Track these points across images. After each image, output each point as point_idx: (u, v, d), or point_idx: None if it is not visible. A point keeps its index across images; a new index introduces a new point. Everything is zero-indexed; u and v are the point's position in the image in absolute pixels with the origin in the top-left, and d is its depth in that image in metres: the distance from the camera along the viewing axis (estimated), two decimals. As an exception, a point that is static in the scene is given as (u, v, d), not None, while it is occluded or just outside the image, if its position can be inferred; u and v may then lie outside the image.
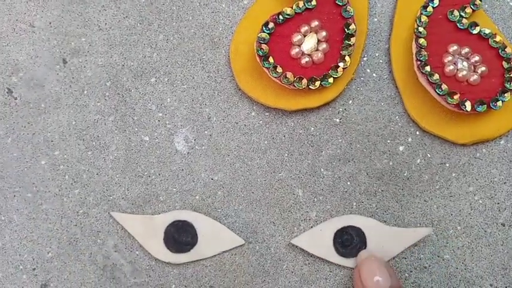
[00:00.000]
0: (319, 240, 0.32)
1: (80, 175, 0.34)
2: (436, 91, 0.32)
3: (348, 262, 0.32)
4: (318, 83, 0.32)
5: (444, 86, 0.32)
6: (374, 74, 0.34)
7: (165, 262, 0.33)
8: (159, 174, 0.34)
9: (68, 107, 0.34)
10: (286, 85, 0.32)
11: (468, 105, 0.32)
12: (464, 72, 0.32)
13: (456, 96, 0.32)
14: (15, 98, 0.34)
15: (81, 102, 0.34)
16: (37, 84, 0.34)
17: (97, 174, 0.34)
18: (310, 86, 0.32)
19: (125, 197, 0.33)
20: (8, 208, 0.33)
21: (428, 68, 0.32)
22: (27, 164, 0.34)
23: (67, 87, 0.34)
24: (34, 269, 0.33)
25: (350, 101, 0.34)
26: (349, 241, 0.32)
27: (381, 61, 0.35)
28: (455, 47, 0.33)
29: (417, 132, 0.34)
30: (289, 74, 0.32)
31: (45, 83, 0.34)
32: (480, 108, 0.32)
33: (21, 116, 0.34)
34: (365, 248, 0.32)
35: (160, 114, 0.34)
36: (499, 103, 0.32)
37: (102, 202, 0.33)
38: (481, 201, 0.33)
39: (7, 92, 0.34)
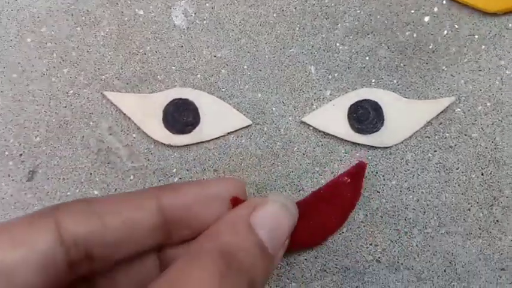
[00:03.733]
0: (332, 116, 0.29)
1: (69, 53, 0.30)
2: None
3: (364, 139, 0.29)
4: None
5: None
6: None
7: (164, 144, 0.30)
8: (156, 52, 0.30)
9: (53, -22, 0.31)
10: None
11: (503, -35, 0.28)
12: None
13: (489, -45, 0.28)
14: (-5, -29, 0.31)
15: (68, -27, 0.31)
16: (18, -46, 0.31)
17: (87, 51, 0.30)
18: None
19: (119, 76, 0.30)
20: (-9, 91, 0.30)
21: None
22: (12, 42, 0.31)
23: (52, -43, 0.31)
24: (21, 154, 0.30)
25: (368, -33, 0.30)
26: (365, 116, 0.29)
27: None
28: None
29: (444, 1, 0.30)
30: None
31: (28, -48, 0.31)
32: (516, -31, 0.28)
33: (2, -11, 0.31)
34: (382, 123, 0.29)
35: (157, -13, 0.31)
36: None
37: (94, 82, 0.30)
38: (513, 77, 0.30)
39: (-15, -36, 0.31)
